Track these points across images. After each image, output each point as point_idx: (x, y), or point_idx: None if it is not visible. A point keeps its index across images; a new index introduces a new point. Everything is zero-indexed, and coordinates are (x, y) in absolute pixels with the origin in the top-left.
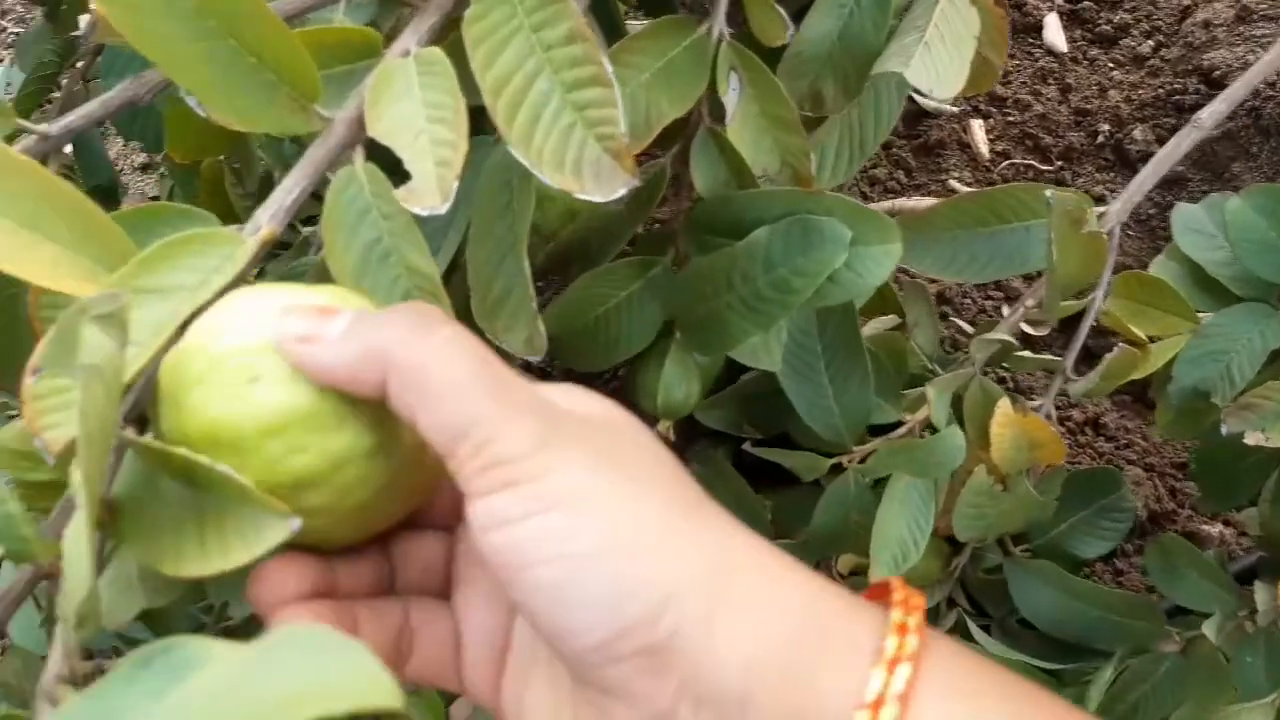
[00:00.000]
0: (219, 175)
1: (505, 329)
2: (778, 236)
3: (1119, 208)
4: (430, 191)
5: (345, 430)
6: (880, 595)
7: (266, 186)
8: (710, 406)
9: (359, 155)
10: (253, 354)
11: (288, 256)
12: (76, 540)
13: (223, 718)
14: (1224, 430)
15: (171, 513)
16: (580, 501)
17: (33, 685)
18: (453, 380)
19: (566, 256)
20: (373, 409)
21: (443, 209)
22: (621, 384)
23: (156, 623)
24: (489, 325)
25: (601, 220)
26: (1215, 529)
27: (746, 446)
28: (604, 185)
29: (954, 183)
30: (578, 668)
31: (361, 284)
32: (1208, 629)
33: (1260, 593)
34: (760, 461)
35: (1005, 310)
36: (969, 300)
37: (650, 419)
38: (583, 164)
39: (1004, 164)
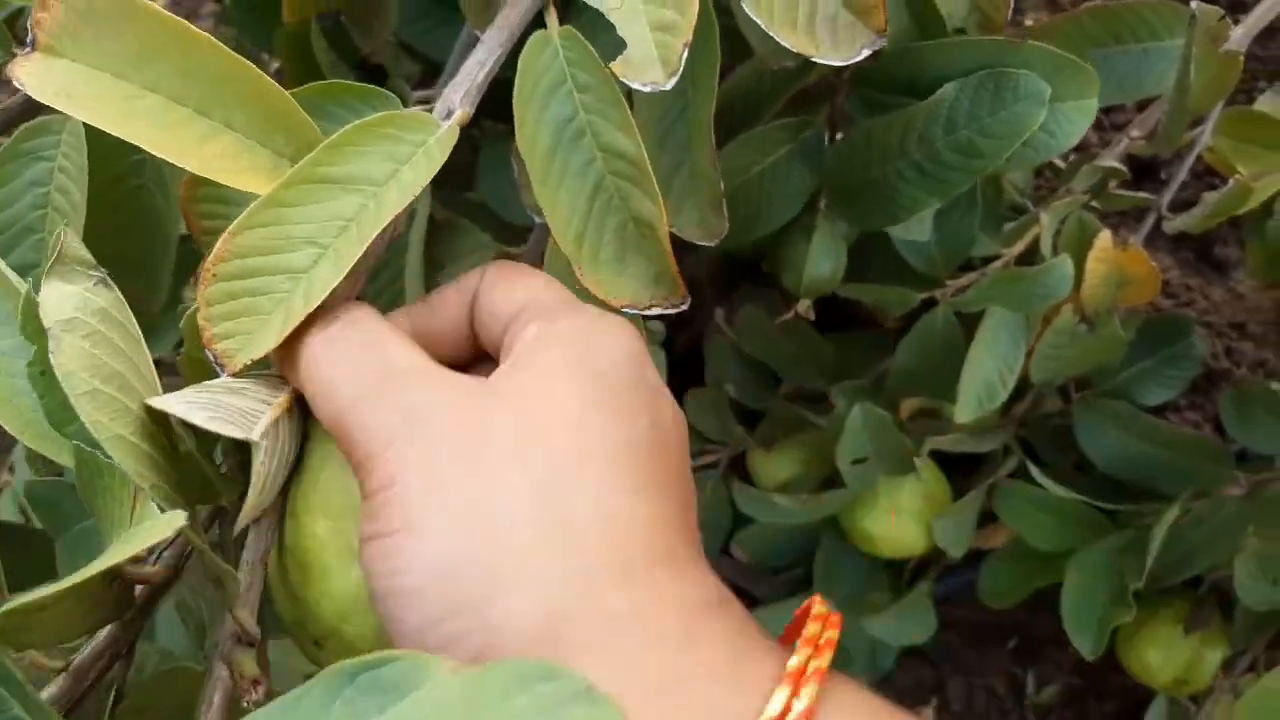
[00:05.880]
0: (305, 35)
1: (674, 210)
2: (966, 93)
3: (1242, 33)
4: (650, 62)
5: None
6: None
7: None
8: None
9: (552, 16)
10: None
11: None
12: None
13: None
14: None
15: None
16: (414, 525)
17: (208, 604)
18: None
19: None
20: None
21: (668, 84)
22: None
23: None
24: None
25: (752, 81)
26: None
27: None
28: (843, 45)
29: (1030, 23)
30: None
31: (550, 169)
32: None
33: None
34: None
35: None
36: None
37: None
38: (816, 19)
39: (1091, 3)
